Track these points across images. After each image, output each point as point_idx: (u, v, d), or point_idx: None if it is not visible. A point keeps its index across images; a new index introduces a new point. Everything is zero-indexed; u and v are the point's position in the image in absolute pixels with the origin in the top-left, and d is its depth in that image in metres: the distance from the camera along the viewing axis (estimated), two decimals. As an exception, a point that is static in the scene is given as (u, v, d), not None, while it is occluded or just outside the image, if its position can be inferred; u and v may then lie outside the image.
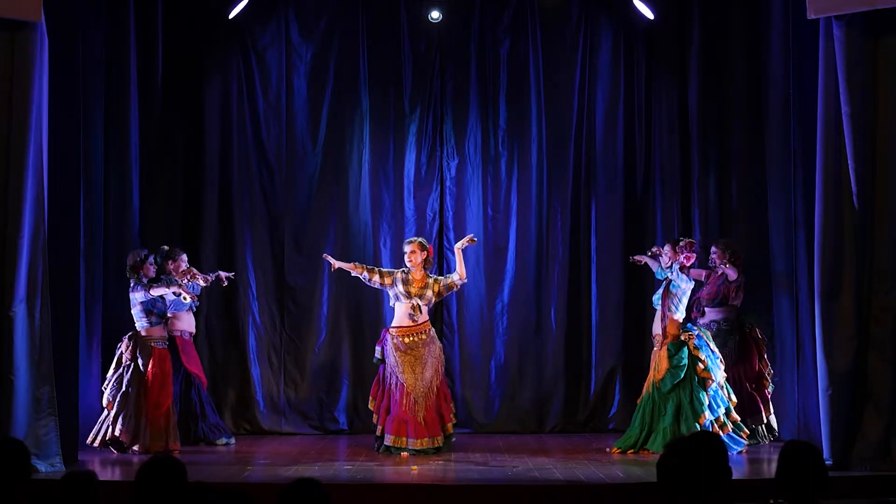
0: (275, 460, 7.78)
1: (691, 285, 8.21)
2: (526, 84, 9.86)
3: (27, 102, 7.01)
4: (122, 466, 7.57)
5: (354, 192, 9.79)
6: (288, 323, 9.72)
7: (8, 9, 6.96)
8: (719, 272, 8.65)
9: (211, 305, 9.49)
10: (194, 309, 8.80)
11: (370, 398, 8.29)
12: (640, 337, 9.23)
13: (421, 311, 8.16)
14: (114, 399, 8.06)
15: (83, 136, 8.02)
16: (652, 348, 8.33)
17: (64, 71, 7.47)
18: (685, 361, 7.99)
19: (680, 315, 8.14)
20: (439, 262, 9.62)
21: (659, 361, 8.12)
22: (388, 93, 9.84)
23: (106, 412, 8.12)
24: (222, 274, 8.83)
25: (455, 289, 8.38)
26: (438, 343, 8.34)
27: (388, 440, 8.03)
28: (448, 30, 9.87)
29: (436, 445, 8.03)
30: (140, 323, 8.23)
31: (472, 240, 8.32)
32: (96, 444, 8.10)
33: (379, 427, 8.13)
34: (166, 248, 8.61)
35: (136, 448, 8.03)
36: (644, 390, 8.25)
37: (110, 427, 8.02)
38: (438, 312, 9.61)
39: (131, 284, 8.24)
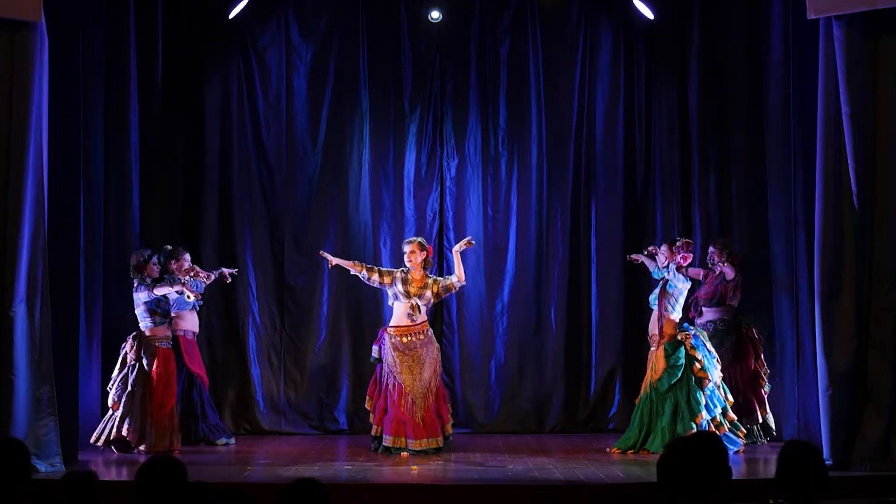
0: (275, 460, 7.78)
1: (688, 285, 8.22)
2: (526, 84, 9.85)
3: (27, 102, 7.01)
4: (124, 466, 7.56)
5: (354, 192, 9.79)
6: (288, 323, 9.72)
7: (8, 9, 6.95)
8: (717, 271, 8.65)
9: (211, 305, 9.48)
10: (198, 308, 8.80)
11: (367, 398, 8.29)
12: (640, 337, 9.20)
13: (419, 311, 8.17)
14: (119, 399, 8.07)
15: (83, 136, 8.01)
16: (649, 348, 8.34)
17: (64, 71, 7.46)
18: (682, 361, 7.99)
19: (676, 315, 8.14)
20: (439, 263, 9.62)
21: (656, 361, 8.12)
22: (388, 93, 9.84)
23: (111, 412, 8.12)
24: (225, 270, 8.84)
25: (454, 290, 8.39)
26: (436, 344, 8.33)
27: (388, 441, 8.02)
28: (448, 30, 9.87)
29: (435, 446, 8.02)
30: (144, 323, 8.24)
31: (469, 243, 8.32)
32: (100, 443, 8.10)
33: (375, 427, 8.13)
34: (169, 247, 8.61)
35: (142, 448, 8.04)
36: (642, 391, 8.25)
37: (116, 427, 8.02)
38: (438, 312, 9.62)
39: (135, 284, 8.25)
